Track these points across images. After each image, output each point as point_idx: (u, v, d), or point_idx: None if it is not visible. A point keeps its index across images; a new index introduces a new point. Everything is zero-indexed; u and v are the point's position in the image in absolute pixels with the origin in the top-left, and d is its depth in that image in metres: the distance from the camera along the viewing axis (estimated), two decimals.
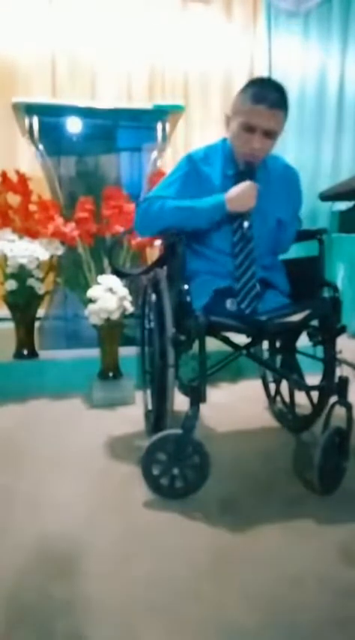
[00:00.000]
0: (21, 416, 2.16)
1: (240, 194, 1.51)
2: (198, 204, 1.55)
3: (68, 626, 0.97)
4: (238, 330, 1.56)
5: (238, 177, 1.57)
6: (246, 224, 1.56)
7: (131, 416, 2.07)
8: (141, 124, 2.71)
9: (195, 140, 3.84)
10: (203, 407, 1.43)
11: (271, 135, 1.55)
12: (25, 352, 2.52)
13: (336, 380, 1.56)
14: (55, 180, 2.68)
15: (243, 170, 1.58)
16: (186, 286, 1.50)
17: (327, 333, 1.63)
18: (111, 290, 2.22)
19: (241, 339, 1.68)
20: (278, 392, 2.07)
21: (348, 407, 1.50)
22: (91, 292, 2.23)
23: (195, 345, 1.47)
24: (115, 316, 2.22)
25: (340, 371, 1.58)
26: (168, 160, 3.45)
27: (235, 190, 1.52)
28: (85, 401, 2.31)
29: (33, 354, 2.54)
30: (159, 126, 2.66)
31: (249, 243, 1.59)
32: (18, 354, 2.52)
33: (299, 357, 1.84)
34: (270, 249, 1.71)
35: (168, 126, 2.68)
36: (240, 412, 2.17)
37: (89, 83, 3.79)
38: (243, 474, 1.61)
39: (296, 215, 1.75)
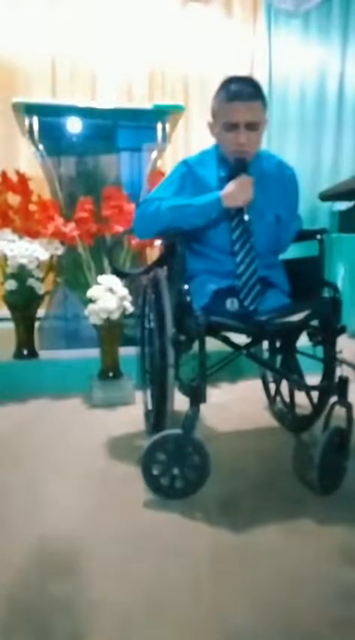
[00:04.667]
0: (21, 416, 2.16)
1: (236, 189, 1.53)
2: (194, 202, 1.56)
3: (68, 626, 0.97)
4: (238, 330, 1.56)
5: (231, 175, 1.57)
6: (246, 217, 1.56)
7: (131, 416, 2.07)
8: (141, 124, 2.71)
9: (195, 140, 3.83)
10: (203, 407, 1.43)
11: (254, 127, 1.56)
12: (25, 352, 2.52)
13: (336, 380, 1.56)
14: (55, 180, 2.68)
15: (235, 166, 1.58)
16: (186, 286, 1.50)
17: (327, 333, 1.63)
18: (111, 290, 2.22)
19: (241, 339, 1.68)
20: (278, 392, 2.07)
21: (348, 407, 1.50)
22: (91, 292, 2.23)
23: (195, 345, 1.47)
24: (115, 316, 2.22)
25: (340, 371, 1.58)
26: (168, 160, 3.46)
27: (230, 186, 1.53)
28: (85, 401, 2.31)
29: (33, 354, 2.54)
30: (159, 126, 2.66)
31: (248, 240, 1.59)
32: (18, 354, 2.52)
33: (299, 357, 1.84)
34: (270, 247, 1.71)
35: (168, 126, 2.68)
36: (240, 412, 2.17)
37: (89, 83, 3.79)
38: (243, 474, 1.61)
39: (295, 213, 1.75)
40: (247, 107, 1.53)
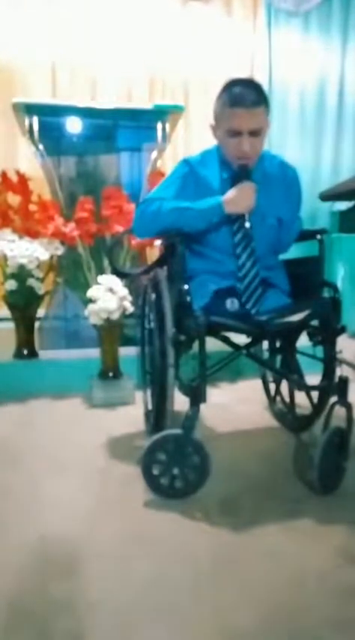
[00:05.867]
0: (21, 416, 2.16)
1: (238, 196, 1.51)
2: (195, 206, 1.55)
3: (68, 627, 0.97)
4: (238, 330, 1.56)
5: (234, 180, 1.56)
6: (247, 224, 1.55)
7: (131, 416, 2.07)
8: (141, 124, 2.71)
9: (195, 140, 3.83)
10: (203, 407, 1.43)
11: (257, 133, 1.54)
12: (25, 352, 2.52)
13: (336, 380, 1.56)
14: (55, 180, 2.68)
15: (238, 172, 1.57)
16: (186, 286, 1.50)
17: (327, 333, 1.63)
18: (111, 290, 2.22)
19: (241, 339, 1.68)
20: (278, 392, 2.07)
21: (348, 407, 1.50)
22: (91, 292, 2.23)
23: (195, 345, 1.47)
24: (115, 316, 2.22)
25: (340, 371, 1.58)
26: (168, 160, 3.46)
27: (233, 193, 1.52)
28: (85, 401, 2.31)
29: (33, 354, 2.54)
30: (159, 126, 2.66)
31: (250, 244, 1.59)
32: (18, 354, 2.52)
33: (299, 357, 1.84)
34: (271, 248, 1.71)
35: (168, 126, 2.68)
36: (240, 412, 2.17)
37: (89, 84, 3.79)
38: (243, 474, 1.61)
39: (297, 213, 1.75)
40: (250, 114, 1.50)
